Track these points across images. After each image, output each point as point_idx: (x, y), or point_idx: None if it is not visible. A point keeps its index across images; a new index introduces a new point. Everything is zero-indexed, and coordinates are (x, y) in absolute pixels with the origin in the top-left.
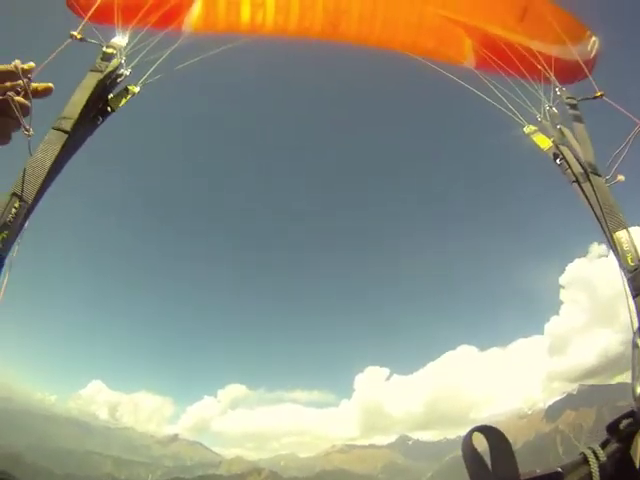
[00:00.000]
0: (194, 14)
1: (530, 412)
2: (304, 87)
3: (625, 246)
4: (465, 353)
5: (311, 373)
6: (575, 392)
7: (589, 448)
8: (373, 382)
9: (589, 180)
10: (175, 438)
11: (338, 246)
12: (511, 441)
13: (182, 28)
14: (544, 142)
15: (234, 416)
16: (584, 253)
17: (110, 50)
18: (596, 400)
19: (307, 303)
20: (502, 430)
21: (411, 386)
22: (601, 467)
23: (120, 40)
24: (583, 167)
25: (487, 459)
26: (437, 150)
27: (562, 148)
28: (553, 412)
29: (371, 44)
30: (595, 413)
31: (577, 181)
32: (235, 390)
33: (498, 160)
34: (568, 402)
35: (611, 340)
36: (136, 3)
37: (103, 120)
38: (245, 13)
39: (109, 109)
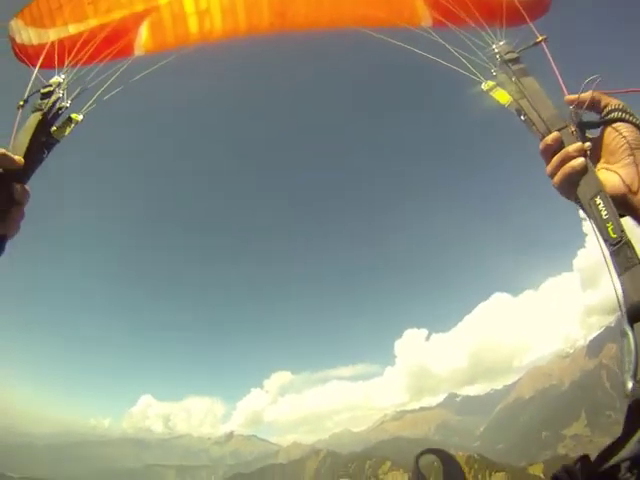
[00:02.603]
0: (142, 36)
1: (572, 351)
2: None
3: (604, 214)
4: (499, 301)
5: (351, 347)
6: (613, 324)
7: (564, 469)
8: (413, 345)
9: None
10: (231, 436)
11: (358, 217)
12: (557, 383)
13: (133, 52)
14: (504, 97)
15: (284, 403)
16: None
17: (47, 89)
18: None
19: (336, 279)
20: (547, 372)
21: (451, 343)
22: None
23: (56, 78)
24: (544, 122)
25: None
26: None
27: (522, 102)
28: (594, 347)
29: (322, 26)
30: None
31: (543, 138)
32: (281, 377)
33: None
34: (608, 335)
35: None
36: (80, 40)
37: (49, 152)
38: (192, 23)
39: (54, 140)
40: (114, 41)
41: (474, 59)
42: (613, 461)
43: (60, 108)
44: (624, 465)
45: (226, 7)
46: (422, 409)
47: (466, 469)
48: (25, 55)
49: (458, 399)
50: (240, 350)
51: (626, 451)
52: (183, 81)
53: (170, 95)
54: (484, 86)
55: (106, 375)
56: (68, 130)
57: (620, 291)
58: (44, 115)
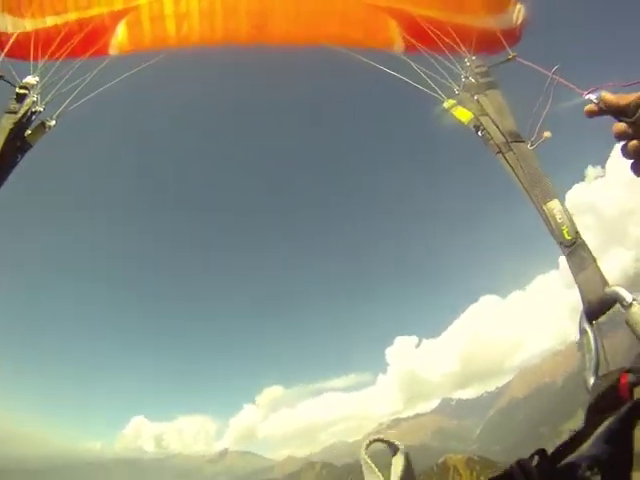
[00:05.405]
0: (119, 35)
1: (563, 347)
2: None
3: (559, 218)
4: (487, 303)
5: (342, 358)
6: (603, 317)
7: (518, 463)
8: (404, 352)
9: (511, 149)
10: (225, 453)
11: (342, 226)
12: (550, 380)
13: (108, 51)
14: (464, 115)
15: (277, 418)
16: (581, 177)
17: (23, 91)
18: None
19: (322, 291)
20: (539, 371)
21: (442, 348)
22: None
23: (31, 79)
24: (504, 136)
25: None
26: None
27: (482, 119)
28: None
29: (299, 42)
30: (628, 334)
31: (501, 151)
32: (272, 392)
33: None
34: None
35: (626, 258)
36: (56, 33)
37: (22, 157)
38: (170, 26)
39: (27, 145)
40: (90, 38)
41: (438, 78)
42: (572, 457)
43: (34, 112)
44: (584, 463)
45: (205, 13)
46: (417, 416)
47: (467, 471)
48: None
49: (452, 403)
50: (230, 367)
51: (586, 447)
52: (152, 86)
53: (146, 100)
54: (445, 104)
55: (96, 398)
56: (41, 135)
57: (578, 291)
58: (19, 120)
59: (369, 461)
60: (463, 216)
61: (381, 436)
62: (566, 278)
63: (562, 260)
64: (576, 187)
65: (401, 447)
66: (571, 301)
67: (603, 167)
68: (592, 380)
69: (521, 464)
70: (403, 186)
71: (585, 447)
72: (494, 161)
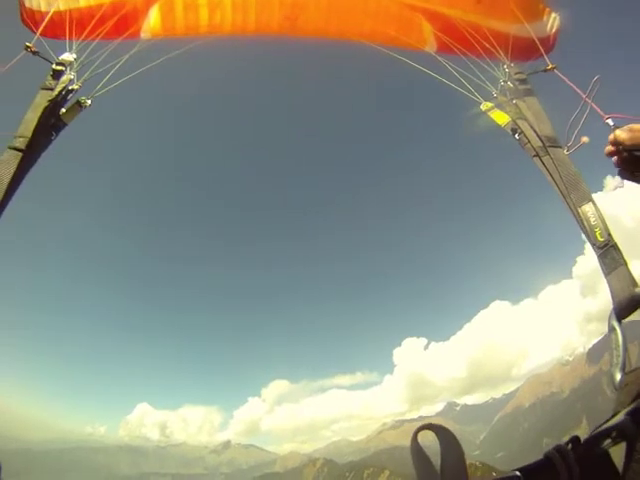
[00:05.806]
0: (151, 19)
1: (571, 358)
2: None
3: (592, 220)
4: (498, 309)
5: (350, 356)
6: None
7: (555, 448)
8: (412, 353)
9: (548, 153)
10: (228, 444)
11: (358, 226)
12: (557, 390)
13: (140, 35)
14: (502, 118)
15: (281, 412)
16: (600, 187)
17: (59, 67)
18: (637, 335)
19: (335, 288)
20: (546, 380)
21: (450, 351)
22: (570, 471)
23: (69, 56)
24: (541, 140)
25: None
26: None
27: (520, 122)
28: (594, 355)
29: (331, 36)
30: (638, 348)
31: (537, 155)
32: (278, 386)
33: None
34: (608, 342)
35: None
36: (89, 14)
37: (57, 135)
38: (203, 14)
39: (62, 123)
40: (123, 20)
41: (476, 80)
42: (598, 431)
43: (70, 90)
44: (611, 432)
45: (238, 3)
46: (421, 418)
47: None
48: (32, 21)
49: (457, 408)
50: (238, 359)
51: (613, 421)
52: (183, 73)
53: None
54: (483, 107)
55: (103, 383)
56: (76, 114)
57: (608, 290)
58: (54, 96)
59: (420, 447)
60: (480, 221)
61: (428, 422)
62: (578, 288)
63: (575, 270)
64: (594, 197)
65: (448, 430)
66: (581, 312)
67: None
68: (619, 376)
69: (558, 448)
70: (425, 188)
71: (613, 420)
72: (515, 169)
